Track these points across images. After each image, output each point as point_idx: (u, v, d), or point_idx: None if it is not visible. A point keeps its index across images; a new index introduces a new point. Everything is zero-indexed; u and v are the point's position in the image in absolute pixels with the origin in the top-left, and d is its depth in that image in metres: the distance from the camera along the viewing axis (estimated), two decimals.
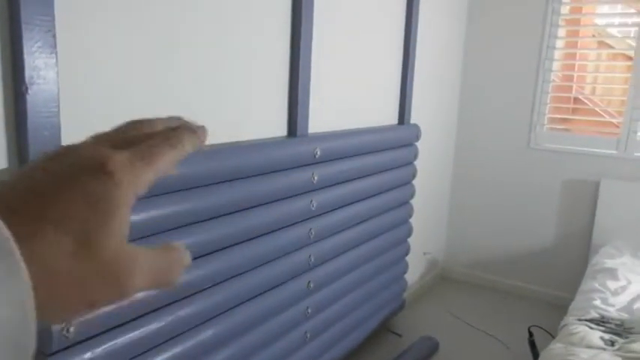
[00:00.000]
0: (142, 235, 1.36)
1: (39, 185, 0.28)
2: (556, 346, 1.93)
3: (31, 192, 0.28)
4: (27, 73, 1.13)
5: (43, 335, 1.23)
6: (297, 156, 1.95)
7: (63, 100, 1.22)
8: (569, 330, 2.02)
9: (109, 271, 0.28)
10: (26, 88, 1.13)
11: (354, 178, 2.31)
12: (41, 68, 1.15)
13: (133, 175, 0.30)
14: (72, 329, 1.24)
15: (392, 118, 2.80)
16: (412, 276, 3.25)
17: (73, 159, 0.29)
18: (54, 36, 1.16)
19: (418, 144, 2.83)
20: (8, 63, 1.14)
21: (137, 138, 0.33)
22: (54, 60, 1.17)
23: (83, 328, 1.28)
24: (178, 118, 0.36)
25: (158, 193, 1.39)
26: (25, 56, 1.12)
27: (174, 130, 0.34)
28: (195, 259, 1.57)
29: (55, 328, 1.21)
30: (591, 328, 2.02)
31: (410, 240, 2.96)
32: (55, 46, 1.17)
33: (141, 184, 0.30)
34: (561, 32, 3.36)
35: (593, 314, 2.15)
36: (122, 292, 0.29)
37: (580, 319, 2.10)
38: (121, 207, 0.29)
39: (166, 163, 0.32)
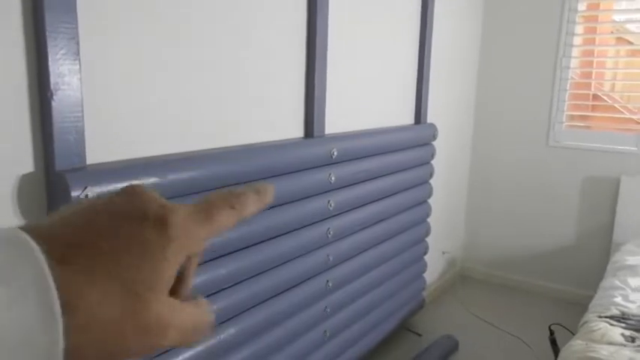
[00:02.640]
0: None
1: (98, 227, 0.28)
2: (576, 343, 1.92)
3: (89, 232, 0.28)
4: (52, 79, 1.17)
5: None
6: (314, 157, 1.97)
7: (86, 106, 1.26)
8: (589, 327, 2.01)
9: (149, 325, 0.28)
10: (51, 94, 1.17)
11: (371, 178, 2.33)
12: (65, 74, 1.19)
13: (189, 231, 0.30)
14: None
15: (408, 118, 2.81)
16: (431, 275, 3.25)
17: (137, 204, 0.30)
18: (77, 43, 1.20)
19: (435, 143, 2.84)
20: (34, 70, 1.18)
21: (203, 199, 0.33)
22: (77, 66, 1.21)
23: None
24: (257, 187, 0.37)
25: (173, 196, 1.43)
26: (50, 63, 1.16)
27: (238, 191, 0.35)
28: (214, 259, 1.60)
29: None
30: (612, 324, 2.01)
31: (428, 239, 2.97)
32: (78, 53, 1.21)
33: (196, 240, 0.31)
34: (578, 29, 3.34)
35: (614, 311, 2.13)
36: (156, 345, 0.29)
37: (600, 316, 2.09)
38: (172, 261, 0.29)
39: (224, 223, 0.33)
